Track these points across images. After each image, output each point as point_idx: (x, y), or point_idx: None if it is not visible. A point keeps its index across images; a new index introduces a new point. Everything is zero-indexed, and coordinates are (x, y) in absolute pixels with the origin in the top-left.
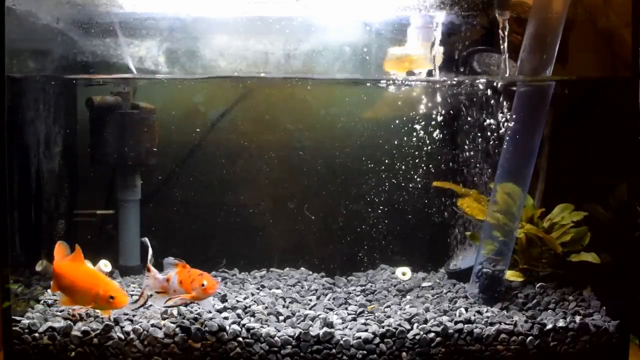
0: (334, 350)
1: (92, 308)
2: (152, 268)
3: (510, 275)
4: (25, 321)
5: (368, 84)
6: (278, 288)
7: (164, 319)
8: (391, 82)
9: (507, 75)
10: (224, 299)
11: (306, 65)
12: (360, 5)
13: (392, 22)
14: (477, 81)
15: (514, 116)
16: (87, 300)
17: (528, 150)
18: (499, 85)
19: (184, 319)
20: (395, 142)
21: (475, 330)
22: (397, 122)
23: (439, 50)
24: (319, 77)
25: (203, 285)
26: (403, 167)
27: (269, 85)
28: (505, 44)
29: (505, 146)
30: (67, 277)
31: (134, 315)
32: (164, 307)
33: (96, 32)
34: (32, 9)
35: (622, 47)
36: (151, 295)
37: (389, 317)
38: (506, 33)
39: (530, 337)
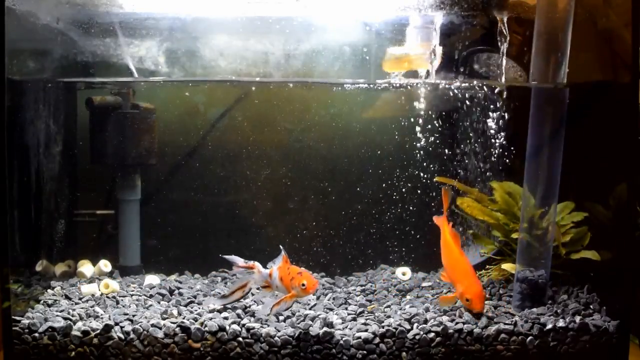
0: (334, 350)
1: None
2: (256, 263)
3: (509, 267)
4: (25, 321)
5: (365, 85)
6: None
7: (164, 318)
8: (390, 84)
9: (505, 75)
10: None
11: (306, 65)
12: (360, 5)
13: (392, 22)
14: (478, 83)
15: (533, 126)
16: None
17: (554, 157)
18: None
19: (184, 319)
20: (396, 142)
21: (475, 330)
22: (397, 121)
23: (438, 50)
24: (319, 80)
25: (303, 285)
26: (404, 166)
27: (269, 86)
28: (506, 44)
29: (528, 156)
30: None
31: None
32: (269, 314)
33: (96, 32)
34: (32, 9)
35: (622, 47)
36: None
37: (389, 317)
38: (505, 33)
39: (530, 337)
